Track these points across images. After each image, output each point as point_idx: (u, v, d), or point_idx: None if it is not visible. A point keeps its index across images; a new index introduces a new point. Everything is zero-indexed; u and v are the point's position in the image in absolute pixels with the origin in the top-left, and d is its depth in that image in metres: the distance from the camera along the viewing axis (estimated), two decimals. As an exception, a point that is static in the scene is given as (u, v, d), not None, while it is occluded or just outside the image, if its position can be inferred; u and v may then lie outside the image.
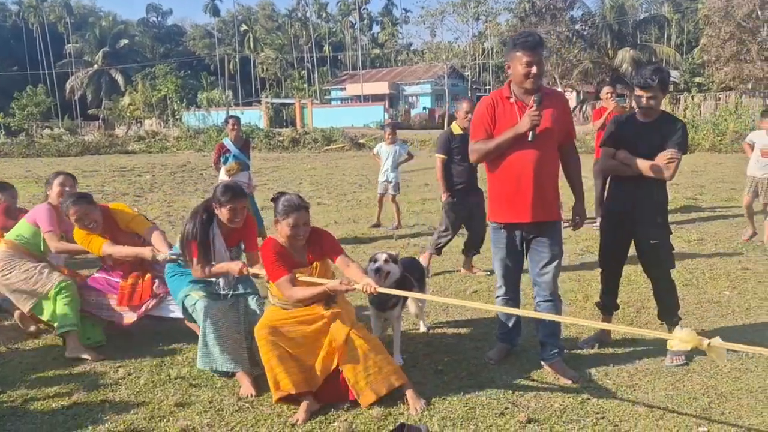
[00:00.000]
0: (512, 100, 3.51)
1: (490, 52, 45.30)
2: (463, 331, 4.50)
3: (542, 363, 3.72)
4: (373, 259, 3.84)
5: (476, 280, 5.78)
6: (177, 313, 4.08)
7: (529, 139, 3.38)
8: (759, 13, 29.68)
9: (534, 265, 3.66)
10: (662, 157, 3.66)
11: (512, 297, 3.83)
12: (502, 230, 3.65)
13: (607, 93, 8.03)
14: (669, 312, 3.98)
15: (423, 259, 5.88)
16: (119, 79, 58.49)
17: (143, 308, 4.18)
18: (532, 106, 3.35)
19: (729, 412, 3.15)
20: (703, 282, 5.52)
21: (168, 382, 3.66)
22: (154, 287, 4.19)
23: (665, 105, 28.99)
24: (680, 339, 2.45)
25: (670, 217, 8.68)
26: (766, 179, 6.79)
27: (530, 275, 3.74)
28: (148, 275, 4.24)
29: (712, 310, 4.79)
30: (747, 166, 7.13)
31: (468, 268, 6.05)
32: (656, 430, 2.99)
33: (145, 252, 4.02)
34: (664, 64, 41.72)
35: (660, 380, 3.52)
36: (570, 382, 3.52)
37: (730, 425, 3.02)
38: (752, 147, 7.04)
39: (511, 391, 3.42)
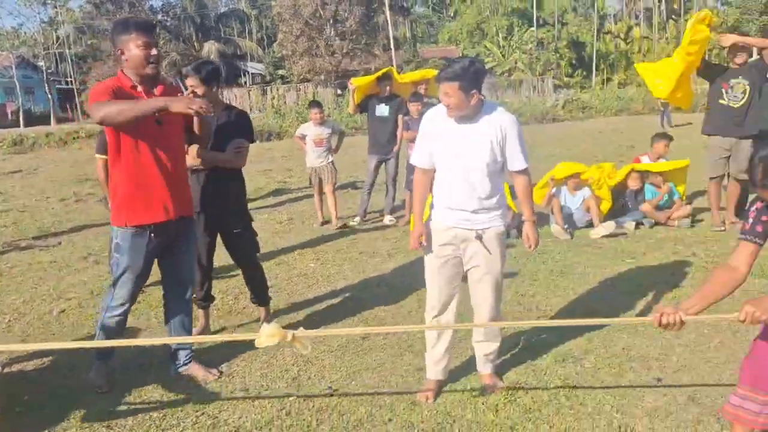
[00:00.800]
0: (139, 89, 3.16)
1: (66, 41, 40.92)
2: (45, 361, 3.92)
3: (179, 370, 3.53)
4: None
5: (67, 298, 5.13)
6: None
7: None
8: (321, 12, 33.85)
9: (179, 268, 3.44)
10: (233, 148, 3.78)
11: (129, 308, 3.42)
12: (139, 234, 3.20)
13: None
14: (259, 294, 4.20)
15: None
16: None
17: None
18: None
19: (314, 375, 3.49)
20: (293, 258, 6.04)
21: None
22: None
23: (255, 95, 30.96)
24: (267, 335, 2.50)
25: (263, 202, 9.05)
26: (323, 166, 7.30)
27: (167, 282, 3.51)
28: None
29: (301, 282, 5.27)
30: (305, 159, 7.53)
31: None
32: (253, 410, 3.12)
33: None
34: (248, 57, 44.16)
35: (255, 361, 3.69)
36: (215, 375, 3.49)
37: (315, 388, 3.35)
38: (304, 139, 7.40)
39: (105, 418, 3.12)
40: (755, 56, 6.04)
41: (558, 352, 3.74)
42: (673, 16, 48.78)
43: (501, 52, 41.98)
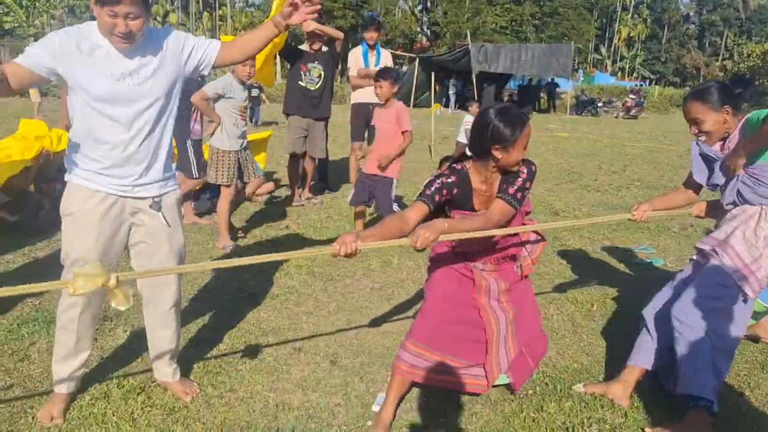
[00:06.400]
0: None
1: None
2: None
3: None
4: None
5: None
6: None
7: None
8: None
9: None
10: None
11: None
12: None
13: None
14: None
15: None
16: None
17: None
18: None
19: None
20: None
21: None
22: None
23: None
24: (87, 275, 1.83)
25: None
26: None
27: None
28: None
29: None
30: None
31: None
32: None
33: None
34: None
35: None
36: None
37: None
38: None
39: None
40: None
41: (190, 339, 3.31)
42: (208, 9, 51.04)
43: (24, 13, 36.32)
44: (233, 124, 4.89)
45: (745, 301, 2.60)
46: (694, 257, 2.90)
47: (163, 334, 2.69)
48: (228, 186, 4.92)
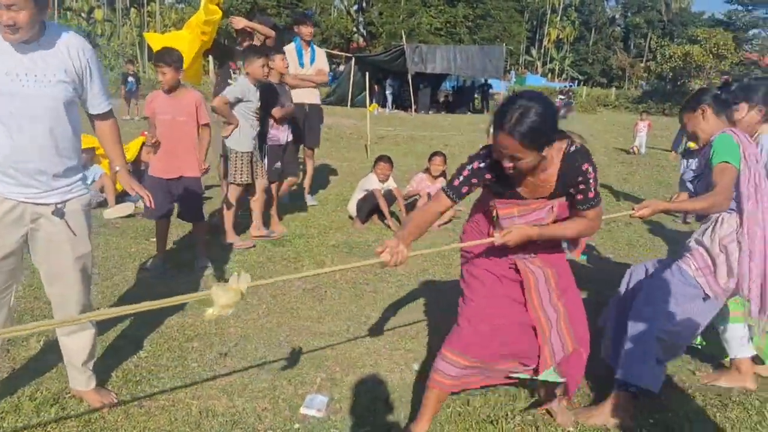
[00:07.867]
0: None
1: None
2: None
3: None
4: None
5: None
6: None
7: None
8: None
9: None
10: None
11: None
12: None
13: None
14: None
15: None
16: None
17: None
18: None
19: None
20: None
21: None
22: None
23: None
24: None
25: None
26: None
27: None
28: None
29: None
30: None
31: None
32: None
33: None
34: None
35: None
36: None
37: None
38: None
39: None
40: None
41: (108, 346, 3.18)
42: (136, 5, 49.34)
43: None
44: (250, 126, 5.02)
45: (704, 300, 2.74)
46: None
47: (74, 340, 2.58)
48: (240, 185, 5.02)
